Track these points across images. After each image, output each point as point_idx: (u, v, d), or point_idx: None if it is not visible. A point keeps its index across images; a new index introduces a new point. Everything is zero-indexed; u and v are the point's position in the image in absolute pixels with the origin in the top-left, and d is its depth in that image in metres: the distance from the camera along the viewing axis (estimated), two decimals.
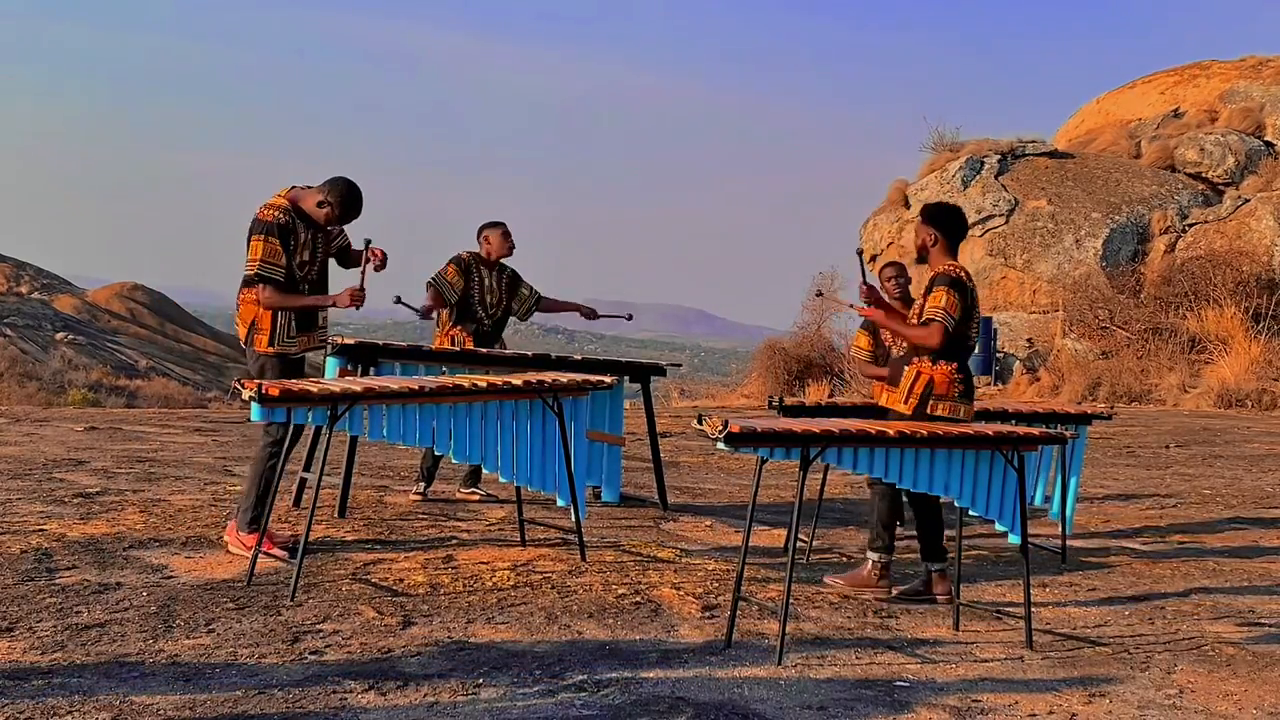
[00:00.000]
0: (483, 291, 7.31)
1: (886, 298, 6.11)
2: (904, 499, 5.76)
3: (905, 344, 5.34)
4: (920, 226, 5.32)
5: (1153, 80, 27.28)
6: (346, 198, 5.63)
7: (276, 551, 5.41)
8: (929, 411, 5.16)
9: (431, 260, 7.45)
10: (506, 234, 7.40)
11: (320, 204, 5.62)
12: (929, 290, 5.18)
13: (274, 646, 4.16)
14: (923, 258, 5.37)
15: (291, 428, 5.26)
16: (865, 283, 5.44)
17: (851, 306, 5.72)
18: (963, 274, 5.21)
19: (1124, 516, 7.89)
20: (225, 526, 5.82)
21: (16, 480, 7.30)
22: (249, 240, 5.55)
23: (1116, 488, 9.23)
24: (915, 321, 5.22)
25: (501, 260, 7.39)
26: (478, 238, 7.40)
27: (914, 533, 5.54)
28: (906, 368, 5.28)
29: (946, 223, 5.30)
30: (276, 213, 5.54)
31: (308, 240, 5.64)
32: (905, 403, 5.23)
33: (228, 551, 5.52)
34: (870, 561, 5.32)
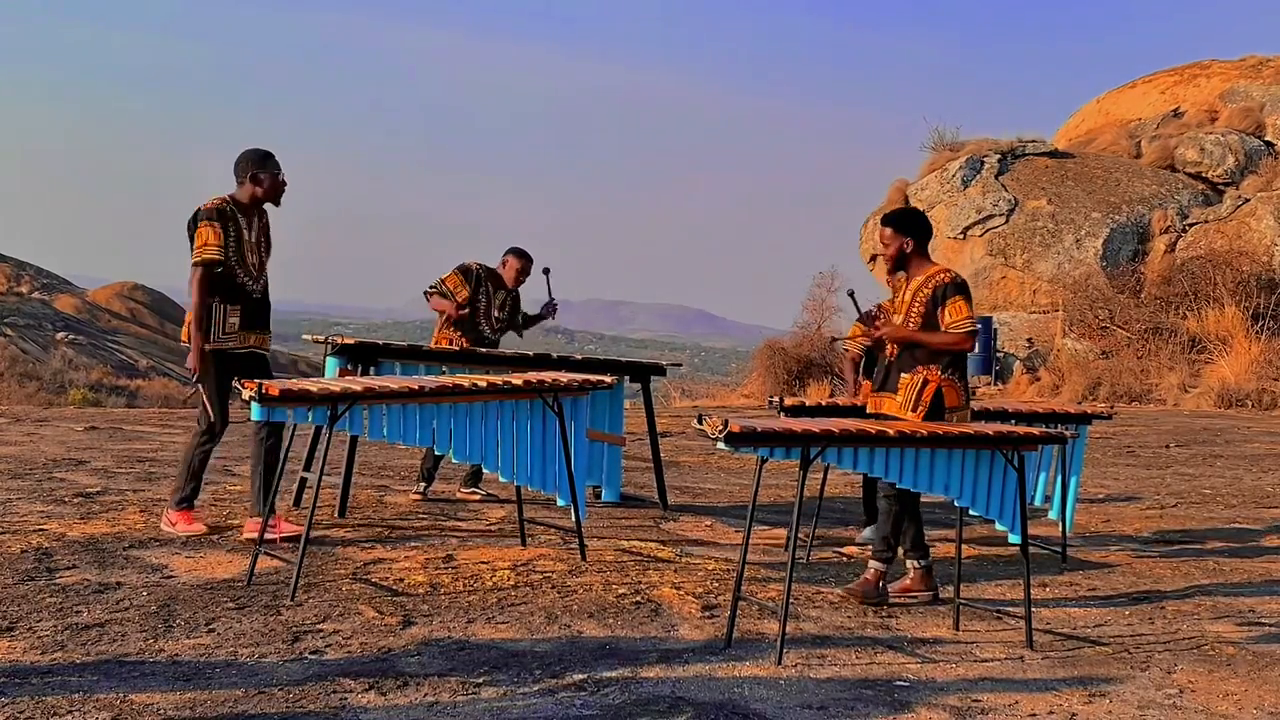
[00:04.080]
0: (489, 307, 7.38)
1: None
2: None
3: (896, 349, 5.33)
4: (893, 236, 5.32)
5: (1153, 80, 27.28)
6: (248, 155, 5.82)
7: (286, 530, 5.73)
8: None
9: (427, 261, 7.53)
10: (523, 270, 7.48)
11: (240, 184, 5.81)
12: (941, 301, 5.18)
13: (274, 646, 4.16)
14: (900, 265, 5.39)
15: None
16: (861, 318, 5.67)
17: (872, 333, 5.70)
18: (960, 277, 5.33)
19: (1124, 516, 7.89)
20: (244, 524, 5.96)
21: (16, 480, 7.31)
22: (192, 231, 5.73)
23: (1116, 488, 9.23)
24: (914, 327, 5.23)
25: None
26: (503, 257, 7.50)
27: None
28: (907, 375, 5.25)
29: (918, 228, 5.37)
30: (217, 201, 5.76)
31: (249, 226, 5.83)
32: (914, 411, 5.19)
33: (248, 540, 5.66)
34: (911, 569, 5.32)
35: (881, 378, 5.44)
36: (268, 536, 5.62)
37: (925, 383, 5.20)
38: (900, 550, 5.33)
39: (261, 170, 5.80)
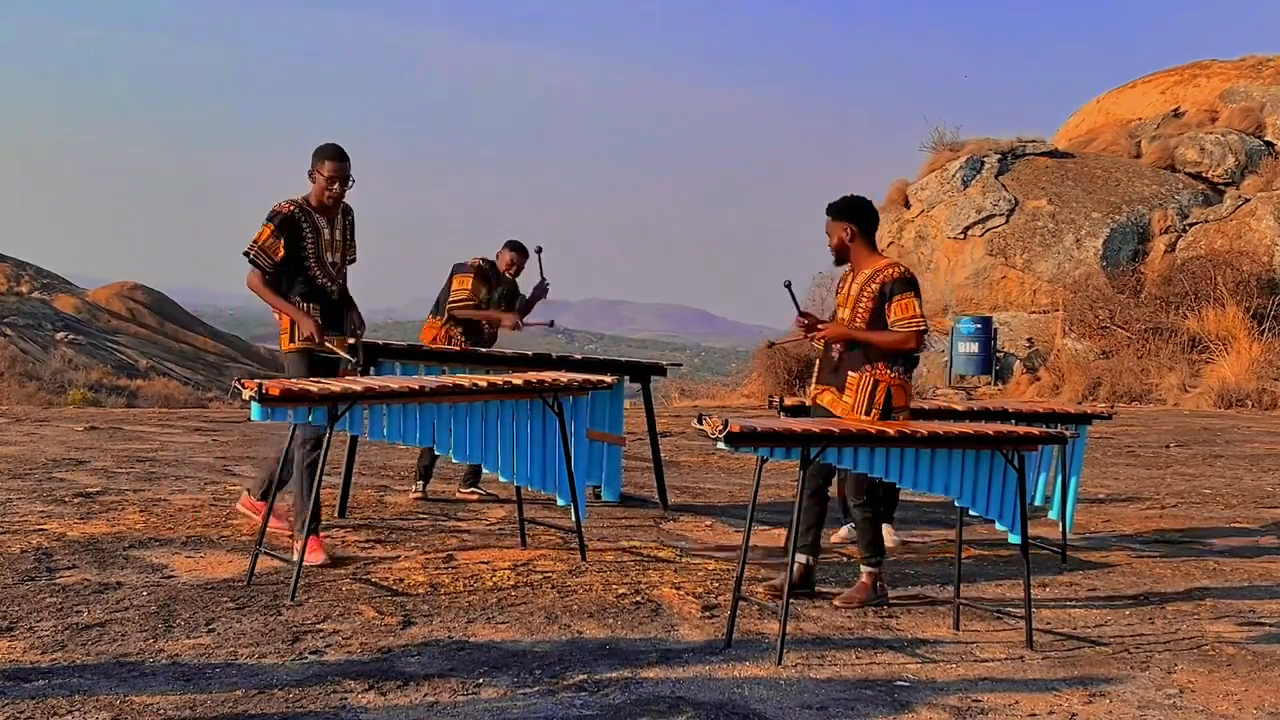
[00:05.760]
0: (488, 303, 7.48)
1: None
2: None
3: (843, 346, 5.12)
4: (833, 224, 5.15)
5: (1153, 80, 27.28)
6: (322, 150, 5.61)
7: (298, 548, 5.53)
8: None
9: (427, 261, 7.58)
10: (514, 263, 7.58)
11: (313, 179, 5.60)
12: (888, 297, 5.00)
13: (274, 646, 4.16)
14: (843, 257, 5.21)
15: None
16: (801, 314, 5.23)
17: (808, 337, 5.31)
18: (909, 272, 5.12)
19: (1124, 516, 7.89)
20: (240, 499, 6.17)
21: (16, 480, 7.31)
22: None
23: (1116, 488, 9.23)
24: (862, 325, 5.06)
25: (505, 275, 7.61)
26: (499, 250, 7.61)
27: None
28: (855, 374, 5.08)
29: (860, 214, 5.16)
30: (286, 203, 5.59)
31: (330, 224, 5.66)
32: (867, 414, 5.05)
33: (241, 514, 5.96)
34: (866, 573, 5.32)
35: (826, 371, 5.23)
36: (246, 513, 5.92)
37: (876, 383, 5.06)
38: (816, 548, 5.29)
39: (313, 167, 5.64)
